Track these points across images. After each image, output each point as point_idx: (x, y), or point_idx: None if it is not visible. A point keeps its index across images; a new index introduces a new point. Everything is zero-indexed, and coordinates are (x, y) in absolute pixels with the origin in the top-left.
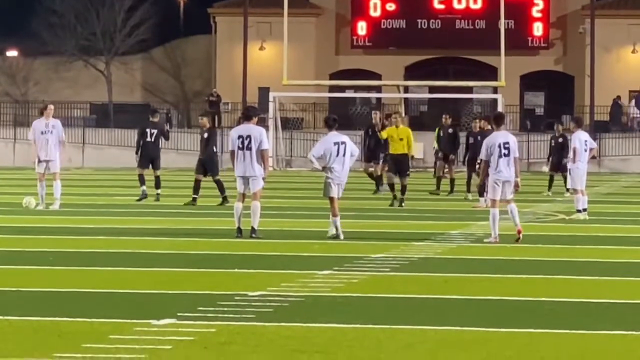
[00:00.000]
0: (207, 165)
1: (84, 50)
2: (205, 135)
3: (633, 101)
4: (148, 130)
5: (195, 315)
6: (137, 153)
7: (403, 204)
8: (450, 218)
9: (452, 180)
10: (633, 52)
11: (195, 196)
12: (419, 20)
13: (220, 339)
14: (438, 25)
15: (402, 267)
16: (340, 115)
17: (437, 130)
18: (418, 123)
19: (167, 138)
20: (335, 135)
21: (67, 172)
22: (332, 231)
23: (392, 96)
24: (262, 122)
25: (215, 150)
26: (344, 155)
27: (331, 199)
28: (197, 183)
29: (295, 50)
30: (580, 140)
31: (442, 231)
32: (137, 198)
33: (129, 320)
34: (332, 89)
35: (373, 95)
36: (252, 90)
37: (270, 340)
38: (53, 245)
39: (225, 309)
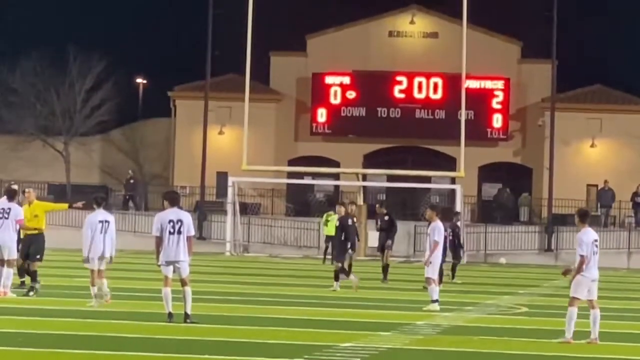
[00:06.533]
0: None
1: (42, 129)
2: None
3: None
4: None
5: None
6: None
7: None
8: (417, 308)
9: (386, 266)
10: (592, 146)
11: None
12: (379, 109)
13: None
14: (398, 115)
15: (371, 357)
16: (299, 203)
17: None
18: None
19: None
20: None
21: None
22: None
23: (351, 184)
24: (220, 207)
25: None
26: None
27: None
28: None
29: (255, 135)
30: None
31: (409, 321)
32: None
33: None
34: (291, 175)
35: (331, 182)
36: (210, 174)
37: None
38: (22, 326)
39: None
